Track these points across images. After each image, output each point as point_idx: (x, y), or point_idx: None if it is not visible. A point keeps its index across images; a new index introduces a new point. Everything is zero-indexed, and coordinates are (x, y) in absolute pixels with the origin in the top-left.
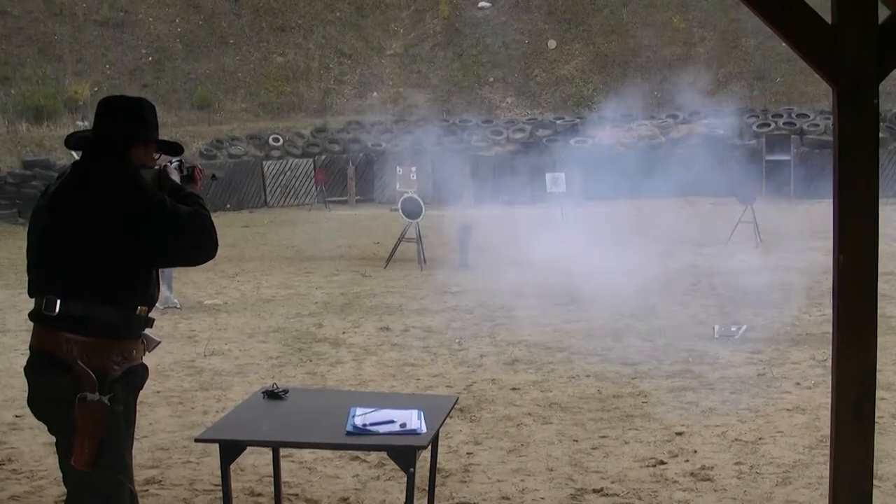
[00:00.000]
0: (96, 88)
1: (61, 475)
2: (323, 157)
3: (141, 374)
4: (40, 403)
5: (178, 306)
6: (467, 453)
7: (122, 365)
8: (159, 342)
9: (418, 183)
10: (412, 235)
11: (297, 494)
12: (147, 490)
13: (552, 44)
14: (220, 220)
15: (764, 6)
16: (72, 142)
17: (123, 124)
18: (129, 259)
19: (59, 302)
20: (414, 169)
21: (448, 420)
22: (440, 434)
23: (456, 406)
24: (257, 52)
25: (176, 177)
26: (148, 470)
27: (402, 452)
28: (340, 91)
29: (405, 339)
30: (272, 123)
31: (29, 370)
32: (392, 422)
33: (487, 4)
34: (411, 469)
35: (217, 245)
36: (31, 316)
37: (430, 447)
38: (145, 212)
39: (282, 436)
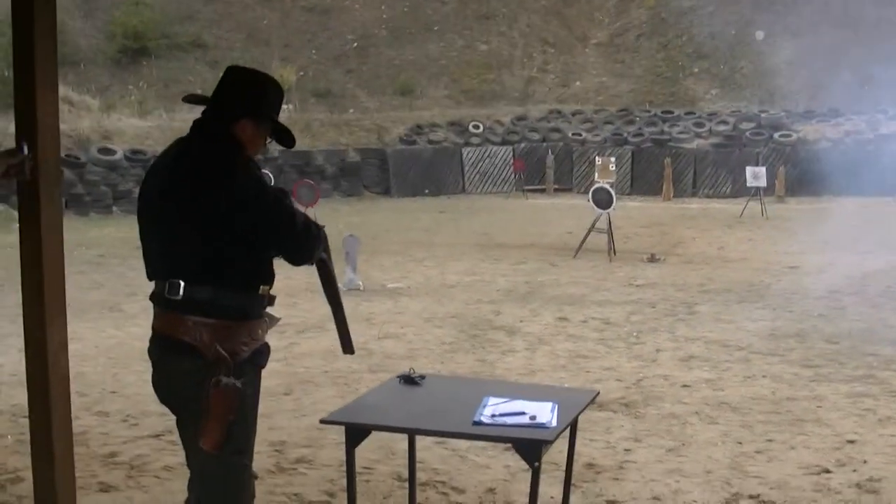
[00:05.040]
0: (301, 73)
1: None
2: (522, 145)
3: (265, 353)
4: (168, 387)
5: (361, 288)
6: (625, 450)
7: (249, 346)
8: (279, 319)
9: (617, 174)
10: (603, 226)
11: (444, 482)
12: (296, 468)
13: (760, 35)
14: (417, 204)
15: None
16: (191, 99)
17: (238, 92)
18: (242, 242)
19: (182, 285)
20: (613, 160)
21: (612, 415)
22: (600, 429)
23: (620, 401)
24: (461, 39)
25: None
26: (301, 449)
27: (528, 445)
28: (543, 80)
29: (582, 330)
30: (473, 111)
31: (155, 353)
32: (522, 413)
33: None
34: (536, 463)
35: (310, 258)
36: (153, 298)
37: (570, 441)
38: (245, 199)
39: (407, 422)
